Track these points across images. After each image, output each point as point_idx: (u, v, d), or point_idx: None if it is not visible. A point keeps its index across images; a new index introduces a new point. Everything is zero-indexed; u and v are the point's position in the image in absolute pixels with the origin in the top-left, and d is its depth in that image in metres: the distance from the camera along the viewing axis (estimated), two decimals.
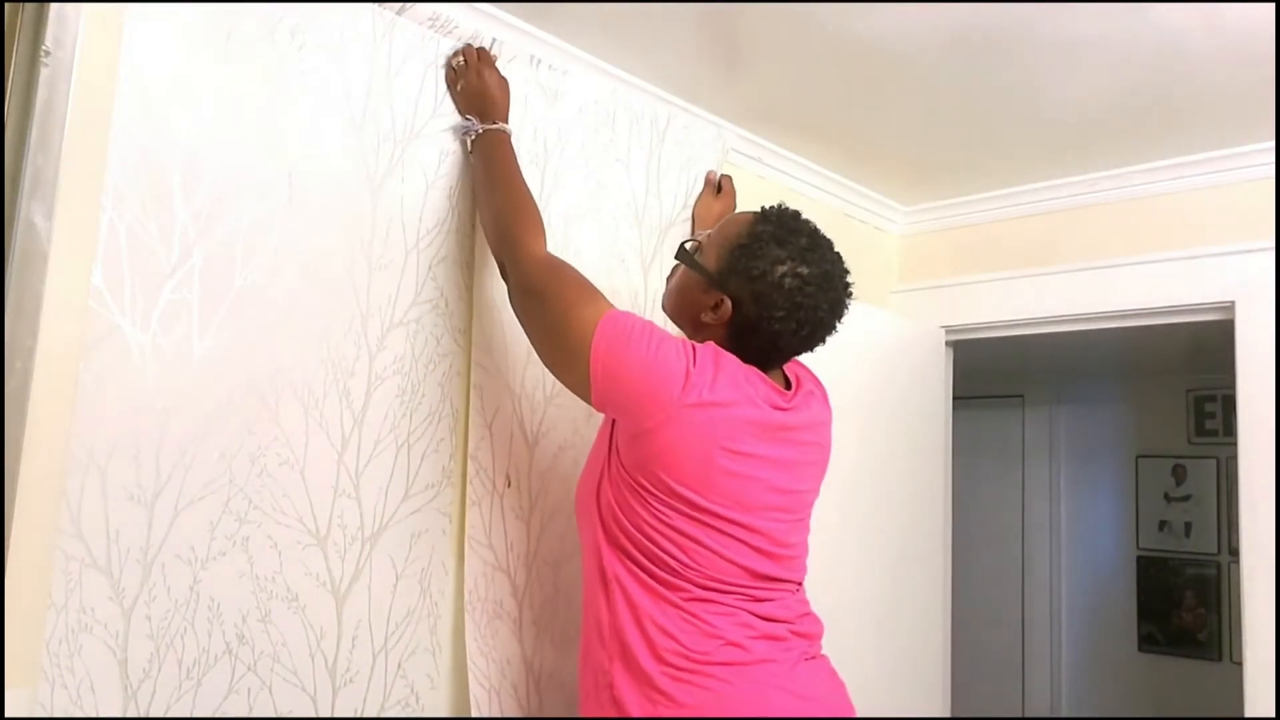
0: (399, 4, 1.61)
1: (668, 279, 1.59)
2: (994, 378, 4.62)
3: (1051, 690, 4.69)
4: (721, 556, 1.34)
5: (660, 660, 1.31)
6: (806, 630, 1.42)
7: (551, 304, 1.39)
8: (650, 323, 1.36)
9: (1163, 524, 4.53)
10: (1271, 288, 2.14)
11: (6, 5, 1.24)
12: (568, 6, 1.71)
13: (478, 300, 1.66)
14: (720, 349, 1.37)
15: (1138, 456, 4.63)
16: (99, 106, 1.28)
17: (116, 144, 1.29)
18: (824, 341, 1.46)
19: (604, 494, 1.40)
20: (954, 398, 2.84)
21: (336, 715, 1.47)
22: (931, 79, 1.94)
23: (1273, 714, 2.02)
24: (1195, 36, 1.73)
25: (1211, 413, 4.43)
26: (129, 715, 1.27)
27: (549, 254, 1.48)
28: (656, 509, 1.33)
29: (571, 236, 1.81)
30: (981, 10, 1.67)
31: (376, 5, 1.58)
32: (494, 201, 1.57)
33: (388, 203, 1.58)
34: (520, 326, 1.50)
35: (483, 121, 1.62)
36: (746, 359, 1.39)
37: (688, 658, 1.31)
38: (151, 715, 1.29)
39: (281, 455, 1.43)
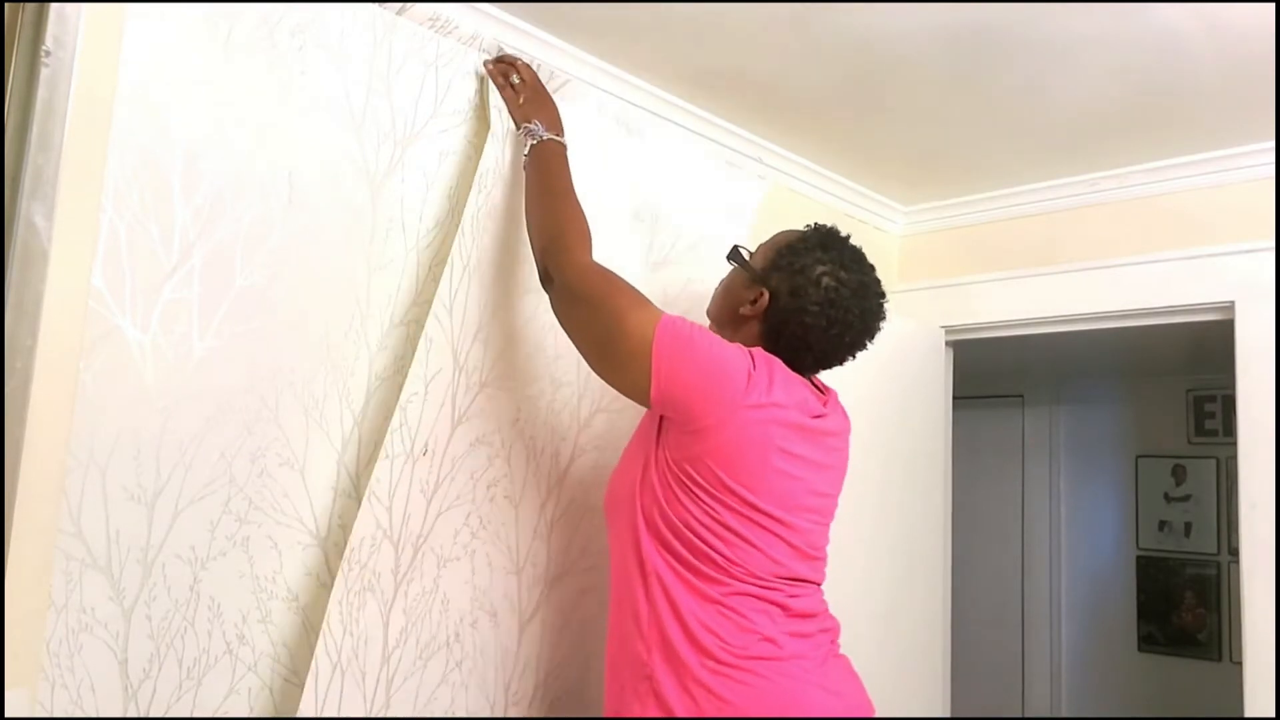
0: (399, 4, 1.61)
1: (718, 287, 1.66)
2: (994, 378, 4.61)
3: (1051, 690, 4.69)
4: (765, 554, 1.38)
5: (701, 652, 1.34)
6: (829, 626, 1.47)
7: (604, 309, 1.41)
8: (704, 327, 1.41)
9: (1163, 524, 4.53)
10: (1271, 288, 2.14)
11: (6, 5, 1.24)
12: (567, 7, 1.71)
13: (452, 260, 1.59)
14: (770, 354, 1.43)
15: (1138, 456, 4.63)
16: (99, 106, 1.28)
17: (116, 144, 1.29)
18: (853, 353, 1.54)
19: (647, 488, 1.42)
20: (954, 398, 2.84)
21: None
22: (931, 79, 1.94)
23: (1273, 714, 2.02)
24: (1195, 37, 1.73)
25: (1211, 413, 4.43)
26: (129, 715, 1.27)
27: (596, 263, 1.50)
28: (707, 504, 1.36)
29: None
30: (982, 10, 1.67)
31: (376, 5, 1.58)
32: (548, 207, 1.57)
33: (388, 203, 1.58)
34: (552, 327, 1.54)
35: (547, 130, 1.64)
36: (779, 354, 1.45)
37: (727, 650, 1.34)
38: (151, 715, 1.29)
39: (281, 455, 1.43)
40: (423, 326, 1.60)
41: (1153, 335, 2.65)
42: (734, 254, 1.58)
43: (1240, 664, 2.13)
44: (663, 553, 1.39)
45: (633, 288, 1.45)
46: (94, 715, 1.24)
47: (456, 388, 1.60)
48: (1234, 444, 2.21)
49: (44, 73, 1.24)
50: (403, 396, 1.52)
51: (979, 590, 4.64)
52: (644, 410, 1.50)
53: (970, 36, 1.76)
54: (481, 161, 1.64)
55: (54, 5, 1.25)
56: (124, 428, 1.28)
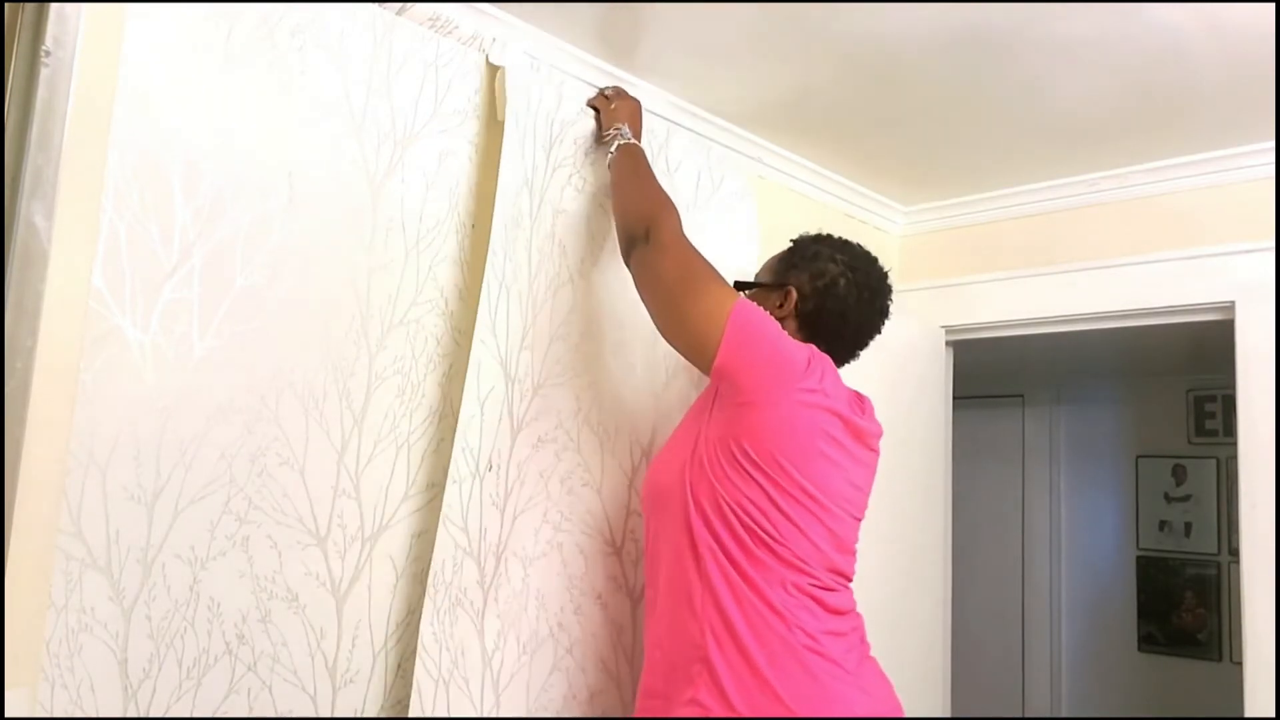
0: (399, 4, 1.61)
1: None
2: (994, 378, 4.61)
3: (1051, 690, 4.69)
4: (806, 535, 1.43)
5: (756, 635, 1.38)
6: (859, 624, 1.52)
7: (693, 273, 1.51)
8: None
9: (1163, 524, 4.53)
10: (1271, 288, 2.14)
11: (6, 5, 1.24)
12: (568, 7, 1.71)
13: (488, 283, 1.62)
14: (822, 353, 1.51)
15: (1138, 456, 4.63)
16: (99, 106, 1.28)
17: (116, 144, 1.29)
18: (879, 329, 1.67)
19: (696, 465, 1.47)
20: (954, 398, 2.84)
21: (336, 715, 1.47)
22: (932, 79, 1.94)
23: (1273, 714, 2.02)
24: (1195, 37, 1.73)
25: (1211, 413, 4.43)
26: (129, 715, 1.27)
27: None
28: (757, 479, 1.41)
29: (566, 240, 1.81)
30: (982, 10, 1.67)
31: (376, 5, 1.58)
32: (646, 186, 1.70)
33: (388, 203, 1.58)
34: (637, 294, 1.60)
35: (635, 136, 1.80)
36: (821, 342, 1.56)
37: (777, 636, 1.38)
38: (151, 715, 1.29)
39: (281, 455, 1.43)
40: (423, 326, 1.61)
41: (1153, 335, 2.65)
42: (743, 284, 1.70)
43: (1240, 664, 2.13)
44: (714, 531, 1.43)
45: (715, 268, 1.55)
46: (94, 715, 1.24)
47: (511, 399, 1.66)
48: (1234, 444, 2.21)
49: (44, 73, 1.24)
50: (461, 421, 1.58)
51: (979, 590, 4.64)
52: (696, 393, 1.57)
53: (970, 37, 1.76)
54: (501, 176, 1.66)
55: (54, 5, 1.25)
56: (124, 428, 1.28)
